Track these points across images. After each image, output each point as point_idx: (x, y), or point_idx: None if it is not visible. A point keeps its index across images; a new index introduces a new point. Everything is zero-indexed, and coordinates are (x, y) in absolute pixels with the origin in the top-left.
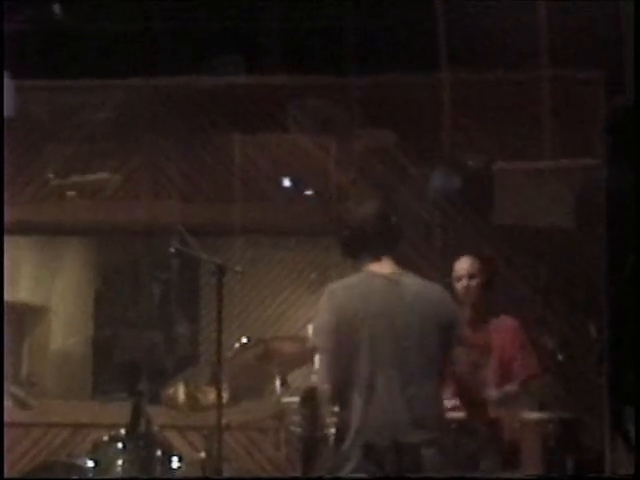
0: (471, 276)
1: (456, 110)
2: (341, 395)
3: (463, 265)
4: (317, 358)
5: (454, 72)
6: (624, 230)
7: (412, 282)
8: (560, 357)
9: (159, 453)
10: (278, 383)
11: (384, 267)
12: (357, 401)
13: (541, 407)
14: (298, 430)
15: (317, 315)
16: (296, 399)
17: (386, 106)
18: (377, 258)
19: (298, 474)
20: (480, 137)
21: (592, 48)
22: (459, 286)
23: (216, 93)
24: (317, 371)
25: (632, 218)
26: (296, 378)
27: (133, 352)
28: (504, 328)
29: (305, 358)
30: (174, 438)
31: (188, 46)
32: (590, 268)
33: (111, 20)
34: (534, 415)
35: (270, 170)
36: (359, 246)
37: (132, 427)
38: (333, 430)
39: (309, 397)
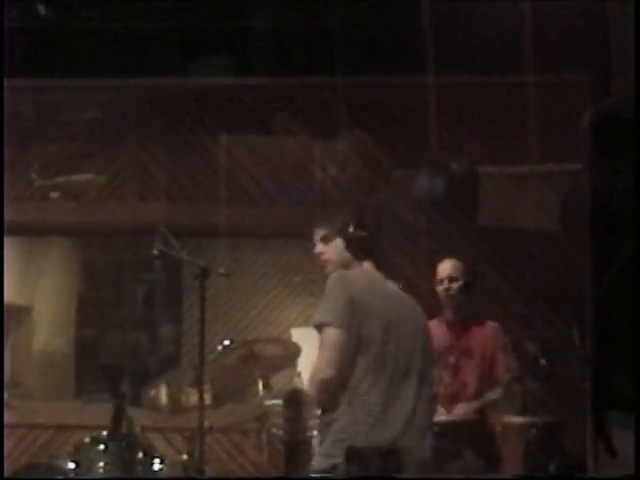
0: (452, 279)
1: (442, 113)
2: (343, 385)
3: (445, 268)
4: (325, 341)
5: (441, 74)
6: (609, 234)
7: (394, 285)
8: (543, 361)
9: (141, 455)
10: (261, 385)
11: (370, 267)
12: (358, 398)
13: (524, 411)
14: (280, 433)
15: (329, 297)
16: (279, 402)
17: (372, 108)
18: (367, 259)
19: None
20: (466, 140)
21: (578, 51)
22: (441, 288)
23: (202, 94)
24: (321, 355)
25: (618, 222)
26: (279, 381)
27: (116, 353)
28: (485, 331)
29: (288, 361)
30: (156, 440)
31: (174, 46)
32: (574, 272)
33: (97, 20)
34: (517, 419)
35: (255, 172)
36: (361, 247)
37: (114, 429)
38: (315, 433)
39: (293, 400)
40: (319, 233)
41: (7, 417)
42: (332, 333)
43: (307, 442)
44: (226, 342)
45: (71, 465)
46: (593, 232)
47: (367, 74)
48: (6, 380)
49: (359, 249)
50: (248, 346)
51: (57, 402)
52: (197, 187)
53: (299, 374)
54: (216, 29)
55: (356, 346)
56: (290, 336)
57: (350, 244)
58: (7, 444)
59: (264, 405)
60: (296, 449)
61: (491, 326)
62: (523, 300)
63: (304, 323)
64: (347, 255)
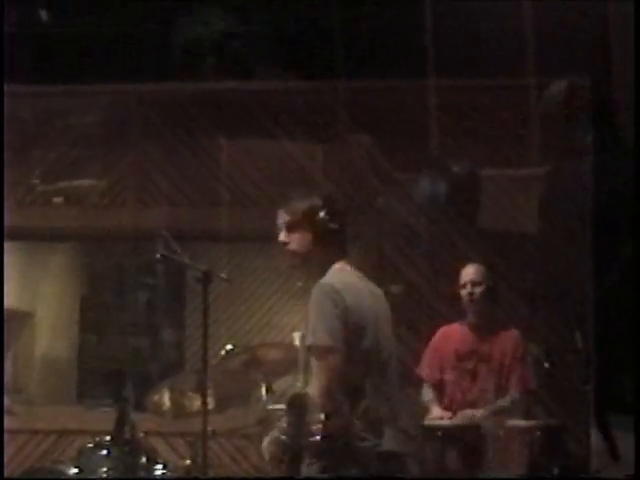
0: (475, 283)
1: (444, 115)
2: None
3: (468, 272)
4: (326, 368)
5: (442, 78)
6: (611, 238)
7: (368, 283)
8: (546, 364)
9: (144, 460)
10: (264, 390)
11: (348, 266)
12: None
13: (527, 414)
14: (283, 437)
15: (323, 315)
16: (281, 406)
17: (374, 111)
18: (345, 256)
19: None
20: (467, 143)
21: (578, 52)
22: (464, 293)
23: (203, 98)
24: (322, 383)
25: (619, 226)
26: (281, 385)
27: (118, 358)
28: (506, 338)
29: (291, 365)
30: (159, 445)
31: (175, 51)
32: (576, 275)
33: (97, 25)
34: (520, 422)
35: (257, 176)
36: (333, 241)
37: (117, 434)
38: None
39: (296, 404)
40: (283, 219)
41: (9, 423)
42: (332, 359)
43: (310, 446)
44: (229, 347)
45: (74, 470)
46: (594, 234)
47: (369, 78)
48: (8, 386)
49: (330, 243)
50: (251, 351)
51: (59, 407)
52: (199, 192)
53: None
54: (217, 33)
55: (360, 354)
56: (293, 340)
57: (318, 235)
58: (10, 450)
59: (267, 410)
60: (299, 453)
61: (513, 334)
62: (525, 303)
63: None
64: (316, 248)
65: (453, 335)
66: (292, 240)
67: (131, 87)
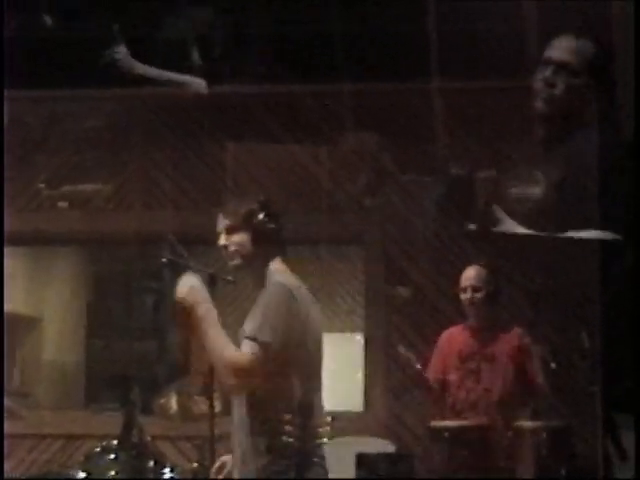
0: (476, 288)
1: (447, 118)
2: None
3: (468, 276)
4: (259, 356)
5: (446, 80)
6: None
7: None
8: (552, 365)
9: (151, 463)
10: None
11: (284, 266)
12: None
13: (534, 415)
14: (290, 440)
15: (274, 313)
16: None
17: (378, 113)
18: (284, 256)
19: None
20: (471, 144)
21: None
22: (464, 297)
23: (207, 101)
24: (250, 357)
25: (627, 225)
26: None
27: (125, 362)
28: (510, 338)
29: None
30: (166, 448)
31: (179, 55)
32: (583, 275)
33: (102, 29)
34: (527, 423)
35: (262, 179)
36: (272, 241)
37: (124, 437)
38: (326, 440)
39: (304, 407)
40: (223, 222)
41: (17, 427)
42: (267, 352)
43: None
44: None
45: (82, 474)
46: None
47: (372, 80)
48: (15, 390)
49: (268, 242)
50: None
51: (67, 412)
52: (204, 195)
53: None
54: (221, 36)
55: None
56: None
57: (258, 236)
58: (18, 454)
59: None
60: (306, 456)
61: (517, 334)
62: (531, 304)
63: None
64: (255, 249)
65: (456, 337)
66: (232, 242)
67: (135, 91)
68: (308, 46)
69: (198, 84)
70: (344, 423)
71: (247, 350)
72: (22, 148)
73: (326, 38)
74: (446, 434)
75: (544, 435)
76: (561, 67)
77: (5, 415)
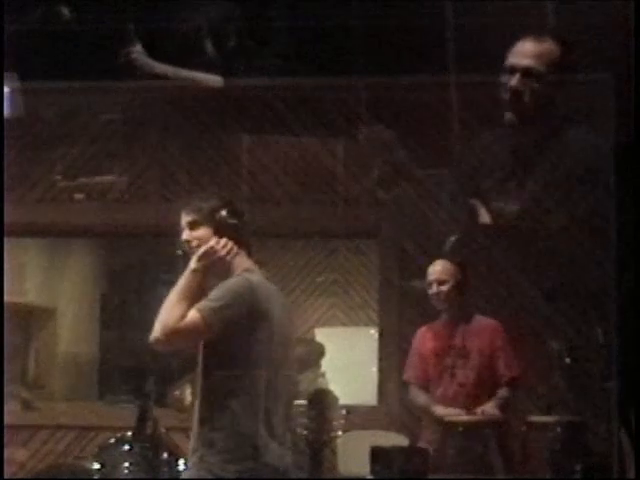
0: (441, 282)
1: (463, 111)
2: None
3: (433, 270)
4: (193, 320)
5: (462, 73)
6: (632, 233)
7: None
8: (567, 360)
9: (166, 455)
10: None
11: (252, 262)
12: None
13: (548, 410)
14: (305, 432)
15: (226, 298)
16: (303, 402)
17: (394, 107)
18: (248, 250)
19: (305, 477)
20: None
21: (600, 50)
22: (430, 291)
23: (224, 94)
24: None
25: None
26: (302, 381)
27: (140, 354)
28: (483, 329)
29: (312, 361)
30: (181, 440)
31: (195, 47)
32: (598, 270)
33: (118, 21)
34: (541, 418)
35: (278, 172)
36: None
37: (138, 429)
38: (340, 433)
39: (318, 399)
40: (186, 219)
41: (31, 418)
42: (200, 326)
43: (331, 442)
44: None
45: (96, 466)
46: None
47: (388, 73)
48: (30, 381)
49: (230, 239)
50: None
51: (81, 403)
52: (219, 187)
53: (323, 374)
54: (237, 29)
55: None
56: (314, 336)
57: (220, 231)
58: (33, 445)
59: None
60: (320, 449)
61: (489, 324)
62: (546, 299)
63: (327, 323)
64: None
65: (430, 333)
66: (194, 237)
67: (152, 83)
68: (324, 39)
69: (214, 81)
70: (358, 416)
71: (186, 316)
72: (38, 140)
73: (343, 31)
74: (460, 428)
75: (558, 430)
76: (527, 73)
77: (20, 405)
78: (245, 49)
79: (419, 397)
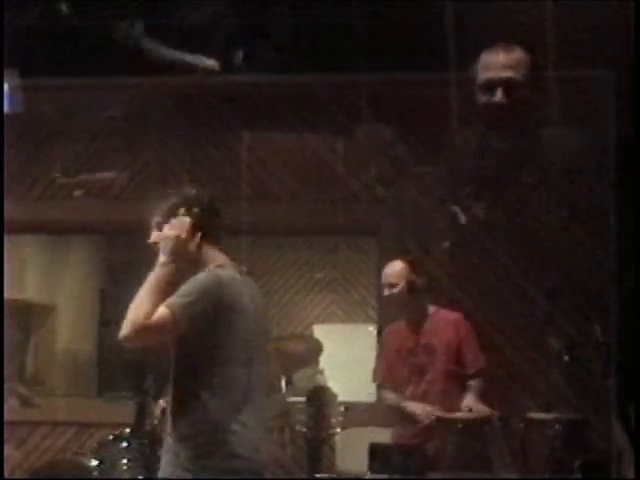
0: (392, 285)
1: (464, 109)
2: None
3: (385, 274)
4: (162, 317)
5: (462, 70)
6: (632, 231)
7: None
8: (566, 358)
9: None
10: (284, 382)
11: (225, 258)
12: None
13: (548, 407)
14: (304, 429)
15: (193, 294)
16: (302, 399)
17: (394, 104)
18: (219, 247)
19: (303, 473)
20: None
21: (602, 47)
22: (384, 295)
23: (223, 91)
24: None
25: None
26: (301, 377)
27: (139, 351)
28: (446, 325)
29: (311, 358)
30: None
31: (195, 43)
32: (597, 269)
33: (118, 17)
34: (541, 416)
35: (278, 169)
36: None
37: (137, 426)
38: (339, 430)
39: (316, 397)
40: (154, 220)
41: (30, 415)
42: (170, 321)
43: (330, 439)
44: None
45: (94, 462)
46: (616, 229)
47: (388, 70)
48: (28, 378)
49: (192, 234)
50: (270, 343)
51: (80, 399)
52: (219, 184)
53: (322, 371)
54: (236, 26)
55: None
56: (312, 333)
57: (175, 227)
58: (32, 441)
59: (287, 402)
60: (319, 446)
61: (453, 318)
62: (546, 297)
63: (326, 320)
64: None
65: (394, 335)
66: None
67: (152, 80)
68: (324, 36)
69: (211, 65)
70: (357, 413)
71: (155, 313)
72: (38, 136)
73: (343, 28)
74: (459, 426)
75: (558, 427)
76: (509, 86)
77: (19, 402)
78: (245, 46)
79: (389, 398)
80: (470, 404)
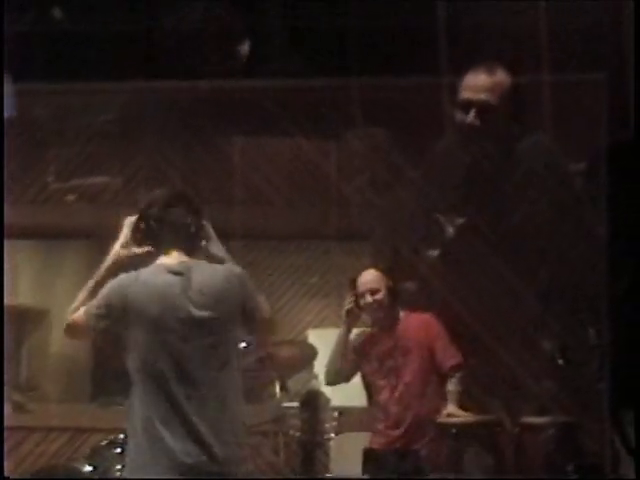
0: (374, 291)
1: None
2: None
3: (364, 281)
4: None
5: (456, 75)
6: (625, 233)
7: (200, 272)
8: (560, 361)
9: None
10: (278, 387)
11: (172, 259)
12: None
13: (541, 411)
14: (297, 434)
15: (99, 300)
16: (295, 403)
17: (388, 108)
18: (168, 249)
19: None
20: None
21: (594, 50)
22: (363, 303)
23: (217, 96)
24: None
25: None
26: (295, 383)
27: None
28: (417, 326)
29: (305, 363)
30: None
31: (190, 48)
32: (591, 272)
33: (112, 22)
34: (535, 419)
35: (271, 173)
36: (151, 235)
37: None
38: (333, 434)
39: (310, 401)
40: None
41: (24, 420)
42: (84, 324)
43: (324, 444)
44: (243, 344)
45: (88, 468)
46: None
47: (383, 74)
48: (22, 383)
49: (151, 238)
50: (265, 348)
51: (74, 405)
52: (212, 189)
53: (316, 376)
54: (230, 31)
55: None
56: (307, 338)
57: (148, 233)
58: (25, 447)
59: (281, 407)
60: (313, 451)
61: (422, 319)
62: (538, 300)
63: (320, 325)
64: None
65: (371, 339)
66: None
67: (145, 85)
68: (318, 40)
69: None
70: (350, 418)
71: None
72: (32, 141)
73: (337, 32)
74: (453, 430)
75: (552, 431)
76: (483, 109)
77: (13, 408)
78: (239, 51)
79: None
80: (450, 410)
